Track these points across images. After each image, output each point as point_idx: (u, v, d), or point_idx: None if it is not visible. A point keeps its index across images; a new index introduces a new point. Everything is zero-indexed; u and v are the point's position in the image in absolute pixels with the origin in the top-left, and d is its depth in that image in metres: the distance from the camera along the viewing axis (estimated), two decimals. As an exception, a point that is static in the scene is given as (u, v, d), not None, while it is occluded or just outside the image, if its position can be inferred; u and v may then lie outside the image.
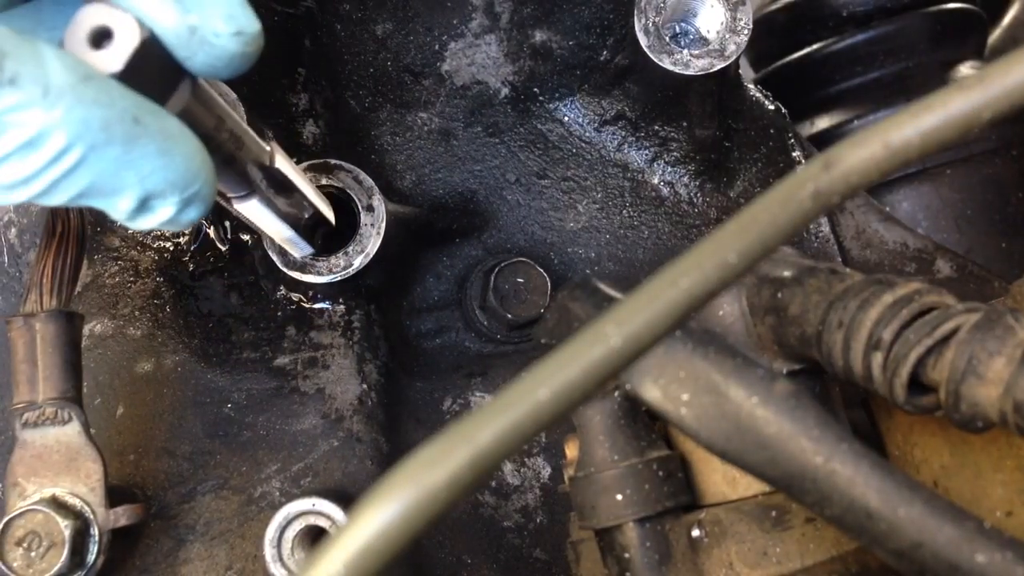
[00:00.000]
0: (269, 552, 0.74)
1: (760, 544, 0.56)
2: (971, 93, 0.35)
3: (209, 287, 0.83)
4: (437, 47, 0.89)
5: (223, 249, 0.83)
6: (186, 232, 0.83)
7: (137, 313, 0.83)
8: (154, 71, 0.46)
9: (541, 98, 0.92)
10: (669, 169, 0.92)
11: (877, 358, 0.47)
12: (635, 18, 0.79)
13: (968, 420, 0.45)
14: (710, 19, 0.81)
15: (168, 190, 0.46)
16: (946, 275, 0.92)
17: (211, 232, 0.83)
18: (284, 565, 0.74)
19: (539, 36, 0.88)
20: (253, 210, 0.63)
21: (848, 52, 0.99)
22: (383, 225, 0.77)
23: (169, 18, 0.45)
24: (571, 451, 0.62)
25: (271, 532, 0.74)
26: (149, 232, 0.83)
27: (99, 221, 0.83)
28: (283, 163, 0.64)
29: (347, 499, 0.76)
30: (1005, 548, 0.39)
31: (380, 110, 0.90)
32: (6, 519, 0.68)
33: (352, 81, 0.89)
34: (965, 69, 0.99)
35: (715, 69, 0.78)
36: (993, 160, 0.96)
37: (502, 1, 0.88)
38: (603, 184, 0.92)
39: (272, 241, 0.76)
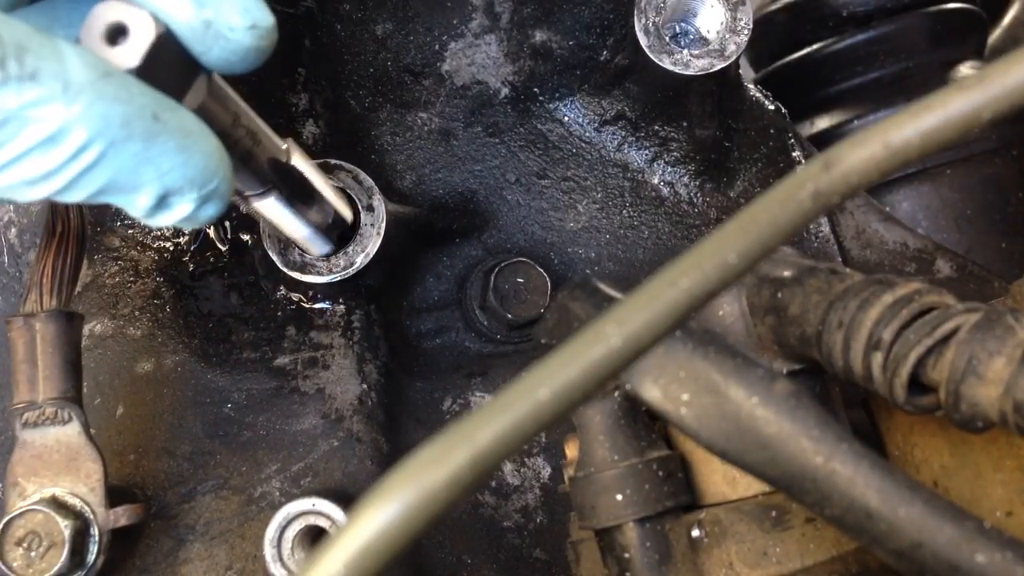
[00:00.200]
0: (269, 552, 0.74)
1: (760, 544, 0.56)
2: (971, 93, 0.35)
3: (209, 287, 0.83)
4: (437, 47, 0.89)
5: (223, 249, 0.83)
6: (186, 232, 0.83)
7: (137, 313, 0.83)
8: (170, 67, 0.46)
9: (541, 98, 0.92)
10: (669, 169, 0.92)
11: (877, 358, 0.47)
12: (635, 18, 0.79)
13: (968, 420, 0.45)
14: (710, 19, 0.81)
15: (187, 187, 0.46)
16: (946, 275, 0.92)
17: (211, 232, 0.83)
18: (284, 565, 0.74)
19: (539, 36, 0.88)
20: (271, 208, 0.63)
21: (848, 52, 0.99)
22: (383, 225, 0.77)
23: (184, 13, 0.45)
24: (571, 451, 0.62)
25: (271, 532, 0.74)
26: (149, 232, 0.83)
27: (99, 221, 0.83)
28: (300, 161, 0.63)
29: (347, 499, 0.76)
30: (1005, 548, 0.39)
31: (380, 110, 0.90)
32: (6, 519, 0.68)
33: (352, 81, 0.89)
34: (965, 69, 0.99)
35: (715, 69, 0.78)
36: (993, 160, 0.96)
37: (502, 1, 0.88)
38: (603, 184, 0.92)
39: (272, 241, 0.76)
